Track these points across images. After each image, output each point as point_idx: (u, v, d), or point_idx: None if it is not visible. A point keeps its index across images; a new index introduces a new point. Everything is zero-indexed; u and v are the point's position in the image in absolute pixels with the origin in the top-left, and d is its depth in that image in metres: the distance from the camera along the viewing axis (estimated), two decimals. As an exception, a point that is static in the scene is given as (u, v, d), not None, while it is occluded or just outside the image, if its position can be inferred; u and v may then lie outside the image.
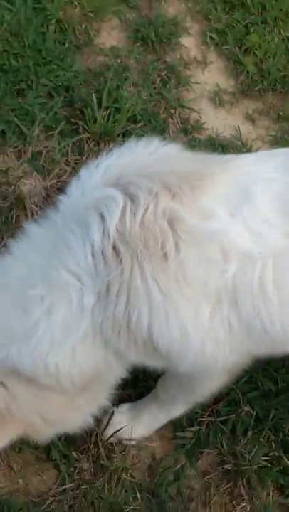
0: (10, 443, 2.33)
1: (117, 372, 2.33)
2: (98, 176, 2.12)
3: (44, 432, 2.37)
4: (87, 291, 2.05)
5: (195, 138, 3.26)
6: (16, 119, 3.20)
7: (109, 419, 2.72)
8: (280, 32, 3.67)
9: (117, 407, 2.75)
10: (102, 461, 2.69)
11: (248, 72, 3.54)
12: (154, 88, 3.44)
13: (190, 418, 2.78)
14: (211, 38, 3.63)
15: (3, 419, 2.22)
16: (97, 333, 2.11)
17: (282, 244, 2.04)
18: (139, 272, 2.00)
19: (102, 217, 2.02)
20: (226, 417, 2.81)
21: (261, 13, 3.70)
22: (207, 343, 2.11)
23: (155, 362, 2.25)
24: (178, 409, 2.67)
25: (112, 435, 2.71)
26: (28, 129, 3.20)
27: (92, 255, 2.03)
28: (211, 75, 3.56)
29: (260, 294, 2.05)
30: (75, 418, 2.40)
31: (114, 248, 2.00)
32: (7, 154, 3.16)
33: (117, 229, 2.00)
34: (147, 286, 2.01)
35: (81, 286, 2.06)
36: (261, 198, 2.06)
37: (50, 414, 2.30)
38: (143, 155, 2.17)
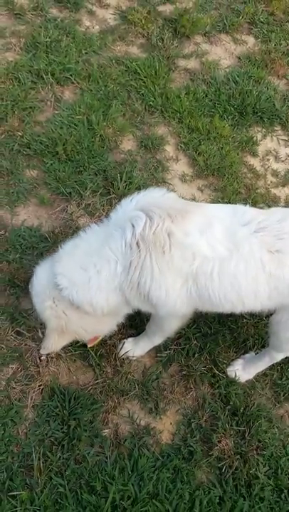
0: (66, 344, 2.48)
1: (125, 310, 2.39)
2: (132, 204, 2.18)
3: (85, 337, 2.45)
4: (119, 264, 2.13)
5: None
6: (77, 186, 3.22)
7: (122, 345, 2.74)
8: (216, 144, 3.66)
9: (126, 339, 2.76)
10: (118, 368, 2.70)
11: (199, 165, 3.53)
12: (150, 172, 3.43)
13: (165, 346, 2.79)
14: (180, 146, 3.62)
15: (63, 332, 2.32)
16: (120, 288, 2.18)
17: (225, 253, 2.11)
18: (149, 258, 2.09)
19: (133, 226, 2.10)
20: (183, 346, 2.81)
21: (207, 133, 3.70)
22: (177, 300, 2.19)
23: (147, 308, 2.30)
24: (157, 340, 2.68)
25: (123, 354, 2.73)
26: (83, 191, 3.21)
27: (125, 245, 2.10)
28: (180, 166, 3.54)
29: (209, 278, 2.13)
30: (102, 329, 2.47)
31: (137, 243, 2.09)
32: (72, 204, 3.18)
33: (140, 233, 2.08)
34: (152, 266, 2.10)
35: (117, 260, 2.12)
36: (217, 228, 2.13)
37: (88, 327, 2.37)
38: (158, 196, 2.23)
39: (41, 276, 2.32)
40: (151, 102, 3.73)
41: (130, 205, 2.19)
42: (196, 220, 2.14)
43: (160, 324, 2.53)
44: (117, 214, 2.23)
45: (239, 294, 2.18)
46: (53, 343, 2.37)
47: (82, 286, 2.19)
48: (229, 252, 2.11)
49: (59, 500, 2.34)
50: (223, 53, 4.26)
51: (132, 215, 2.13)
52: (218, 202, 3.39)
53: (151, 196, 2.23)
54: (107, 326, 2.47)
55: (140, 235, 2.08)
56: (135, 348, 2.73)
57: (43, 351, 2.46)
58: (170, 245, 2.08)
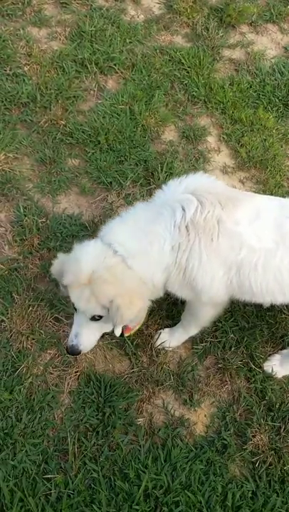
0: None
1: (157, 295, 2.38)
2: (182, 187, 2.19)
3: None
4: (167, 243, 2.13)
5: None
6: (117, 176, 3.22)
7: (158, 336, 2.74)
8: (260, 136, 3.59)
9: (162, 330, 2.76)
10: (153, 358, 2.70)
11: (242, 156, 3.48)
12: (191, 163, 3.40)
13: (201, 338, 2.77)
14: (222, 137, 3.57)
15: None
16: (166, 268, 2.20)
17: (271, 245, 2.12)
18: (197, 243, 2.10)
19: (183, 209, 2.11)
20: (220, 339, 2.79)
21: (250, 125, 3.63)
22: (220, 288, 2.20)
23: (185, 293, 2.31)
24: (193, 330, 2.67)
25: (159, 344, 2.73)
26: (123, 181, 3.21)
27: (174, 226, 2.11)
28: (222, 157, 3.50)
29: (253, 268, 2.14)
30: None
31: (186, 227, 2.11)
32: (112, 194, 3.18)
33: (190, 218, 2.09)
34: (200, 251, 2.11)
35: (165, 239, 2.13)
36: (265, 219, 2.15)
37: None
38: (208, 181, 2.26)
39: (88, 253, 2.18)
40: (194, 93, 3.69)
41: (179, 187, 2.19)
42: (245, 209, 2.14)
43: (195, 313, 2.52)
44: (165, 195, 2.23)
45: (281, 285, 2.18)
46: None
47: (138, 255, 2.16)
48: (276, 244, 2.11)
49: (92, 485, 2.36)
50: (269, 43, 4.17)
51: (182, 198, 2.13)
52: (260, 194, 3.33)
53: (202, 181, 2.24)
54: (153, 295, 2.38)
55: (190, 220, 2.09)
56: (171, 339, 2.72)
57: (117, 332, 2.30)
58: (218, 233, 2.09)
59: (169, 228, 2.12)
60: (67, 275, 2.17)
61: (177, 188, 2.19)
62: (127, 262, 2.15)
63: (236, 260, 2.12)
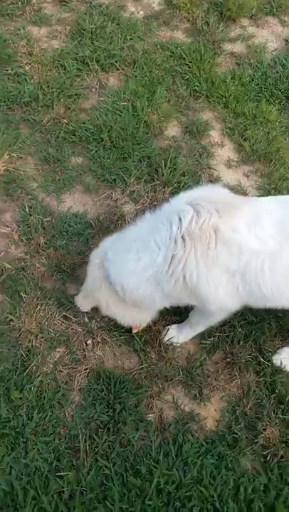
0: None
1: (159, 306, 2.42)
2: (183, 198, 2.19)
3: (103, 310, 2.53)
4: (160, 255, 2.12)
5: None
6: (121, 173, 3.22)
7: (166, 332, 2.74)
8: (263, 129, 3.58)
9: (170, 326, 2.76)
10: (162, 353, 2.70)
11: (245, 150, 3.47)
12: (195, 158, 3.39)
13: (209, 333, 2.77)
14: (226, 131, 3.56)
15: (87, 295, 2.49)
16: (154, 279, 2.20)
17: (275, 247, 2.09)
18: (194, 253, 2.07)
19: (180, 219, 2.08)
20: (228, 334, 2.79)
21: (253, 118, 3.62)
22: (226, 297, 2.21)
23: (193, 301, 2.31)
24: (200, 328, 2.67)
25: (167, 340, 2.73)
26: (127, 178, 3.21)
27: (170, 238, 2.09)
28: (225, 152, 3.49)
29: (260, 272, 2.11)
30: (121, 316, 2.55)
31: (182, 237, 2.07)
32: (116, 191, 3.18)
33: (186, 228, 2.06)
34: (197, 261, 2.08)
35: (158, 252, 2.12)
36: (266, 222, 2.11)
37: (111, 306, 2.47)
38: (209, 190, 2.27)
39: (105, 244, 2.42)
40: (196, 87, 3.68)
41: (180, 199, 2.19)
42: (244, 214, 2.11)
43: (205, 316, 2.52)
44: (169, 206, 2.23)
45: None
46: (81, 301, 2.53)
47: (120, 266, 2.23)
48: (280, 245, 2.09)
49: (105, 482, 2.37)
50: (270, 36, 4.15)
51: (179, 208, 2.12)
52: (265, 188, 3.34)
53: (203, 191, 2.25)
54: (127, 318, 2.53)
55: (186, 230, 2.07)
56: (179, 335, 2.73)
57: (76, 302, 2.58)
58: (216, 241, 2.07)
59: (164, 241, 2.11)
60: None
61: (178, 200, 2.20)
62: (110, 269, 2.28)
63: (239, 267, 2.10)
